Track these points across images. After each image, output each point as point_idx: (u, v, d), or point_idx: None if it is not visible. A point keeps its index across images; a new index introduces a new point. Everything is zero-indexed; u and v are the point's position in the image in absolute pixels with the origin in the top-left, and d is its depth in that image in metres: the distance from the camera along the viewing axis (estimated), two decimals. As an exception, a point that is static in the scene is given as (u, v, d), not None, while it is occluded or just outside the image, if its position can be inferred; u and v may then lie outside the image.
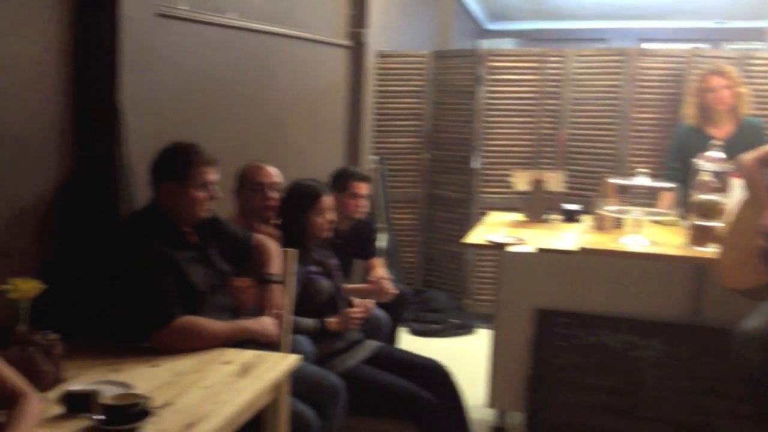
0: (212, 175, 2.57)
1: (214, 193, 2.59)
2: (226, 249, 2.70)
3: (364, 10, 4.84)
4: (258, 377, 2.19)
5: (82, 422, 1.85)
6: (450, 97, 5.29)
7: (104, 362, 2.25)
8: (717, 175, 3.18)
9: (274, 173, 3.22)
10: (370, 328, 3.30)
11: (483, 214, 4.39)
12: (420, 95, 5.37)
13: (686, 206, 3.34)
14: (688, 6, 8.09)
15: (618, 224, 3.41)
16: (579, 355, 3.31)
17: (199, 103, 3.24)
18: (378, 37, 5.06)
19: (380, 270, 3.80)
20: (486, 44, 7.79)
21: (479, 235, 3.48)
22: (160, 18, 2.90)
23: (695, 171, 3.23)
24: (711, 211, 3.11)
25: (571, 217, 3.87)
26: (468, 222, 4.99)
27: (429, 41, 6.58)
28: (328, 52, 4.54)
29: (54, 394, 2.00)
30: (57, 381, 2.07)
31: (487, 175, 5.15)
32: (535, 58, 5.11)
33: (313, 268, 3.09)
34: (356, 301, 3.20)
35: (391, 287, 3.55)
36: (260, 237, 2.84)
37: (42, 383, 2.00)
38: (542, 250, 3.24)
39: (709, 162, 3.19)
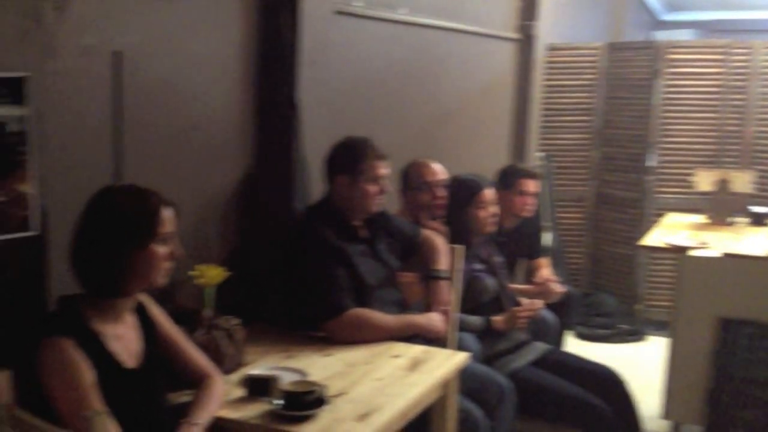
0: (383, 170, 2.59)
1: (385, 187, 2.61)
2: (393, 244, 2.72)
3: (534, 2, 4.73)
4: (427, 373, 2.18)
5: (263, 406, 1.92)
6: (624, 91, 5.06)
7: (280, 349, 2.32)
8: None
9: (440, 170, 3.19)
10: (537, 329, 3.21)
11: (658, 215, 4.15)
12: (591, 89, 5.17)
13: None
14: None
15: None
16: (766, 369, 3.05)
17: (369, 99, 3.28)
18: (548, 30, 4.92)
19: (546, 270, 3.69)
20: (662, 36, 7.38)
21: (657, 237, 3.29)
22: (337, 15, 2.97)
23: None
24: None
25: (759, 220, 3.58)
26: (640, 223, 4.75)
27: (600, 33, 6.33)
28: (497, 45, 4.47)
29: (235, 377, 2.08)
30: (238, 365, 2.16)
31: (664, 174, 4.88)
32: (719, 50, 4.77)
33: (478, 266, 3.04)
34: (524, 300, 3.12)
35: (558, 287, 3.43)
36: (428, 233, 2.83)
37: (225, 366, 2.09)
38: (728, 255, 3.01)
39: None
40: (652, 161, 4.90)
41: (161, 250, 1.81)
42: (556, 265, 4.74)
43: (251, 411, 1.91)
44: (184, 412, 1.85)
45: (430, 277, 2.70)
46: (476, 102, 4.29)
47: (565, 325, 3.64)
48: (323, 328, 2.42)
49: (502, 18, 4.53)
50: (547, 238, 4.74)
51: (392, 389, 2.05)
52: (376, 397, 1.99)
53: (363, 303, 2.46)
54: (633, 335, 4.78)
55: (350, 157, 2.57)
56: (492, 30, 4.35)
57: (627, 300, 5.07)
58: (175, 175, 2.30)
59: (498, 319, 2.95)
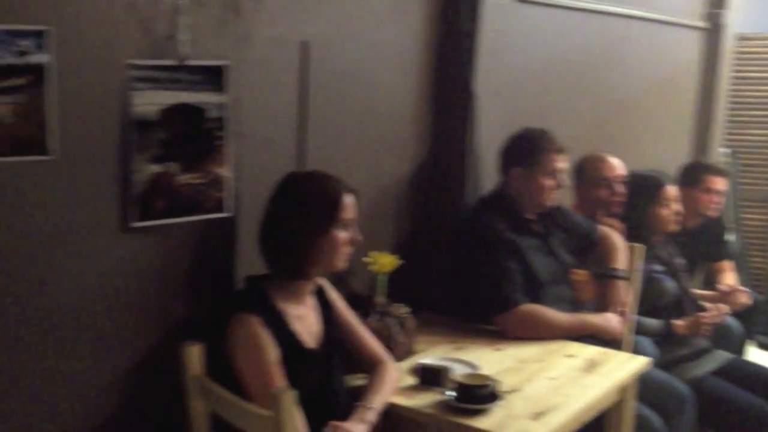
0: (561, 163, 2.51)
1: (562, 182, 2.52)
2: (568, 239, 2.63)
3: (723, -11, 4.41)
4: (604, 375, 2.09)
5: (435, 396, 1.91)
6: (824, 84, 4.62)
7: (449, 340, 2.31)
8: None
9: (619, 166, 3.03)
10: (718, 336, 3.00)
11: None
12: (784, 82, 4.76)
13: None
14: None
15: None
16: None
17: (546, 89, 3.19)
18: (738, 18, 4.57)
19: (730, 275, 3.44)
20: None
21: None
22: (517, 3, 2.90)
23: None
24: None
25: None
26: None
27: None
28: (681, 34, 4.20)
29: (406, 365, 2.09)
30: (409, 353, 2.17)
31: None
32: None
33: (657, 267, 2.89)
34: (708, 305, 2.92)
35: (746, 296, 3.18)
36: (606, 230, 2.72)
37: (397, 353, 2.10)
38: None
39: None
40: None
41: (342, 235, 1.85)
42: (739, 269, 4.42)
43: (423, 400, 1.91)
44: (358, 395, 1.88)
45: (606, 276, 2.58)
46: (657, 94, 4.06)
47: (749, 334, 3.39)
48: (494, 321, 2.38)
49: (688, 5, 4.26)
50: (731, 240, 4.43)
51: (567, 389, 1.98)
52: (550, 397, 1.93)
53: (535, 299, 2.40)
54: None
55: (527, 149, 2.51)
56: (677, 18, 4.09)
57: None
58: (353, 161, 2.34)
59: (680, 323, 2.79)
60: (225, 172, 1.94)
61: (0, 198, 1.60)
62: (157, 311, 1.89)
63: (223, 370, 1.79)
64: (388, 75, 2.47)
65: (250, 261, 1.98)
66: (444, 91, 2.64)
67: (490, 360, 2.15)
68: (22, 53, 1.54)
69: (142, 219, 1.81)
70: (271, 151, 2.11)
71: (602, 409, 2.10)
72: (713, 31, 4.45)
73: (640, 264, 2.68)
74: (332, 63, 2.25)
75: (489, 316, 2.39)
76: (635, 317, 2.64)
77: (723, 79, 4.61)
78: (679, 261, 3.00)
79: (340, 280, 2.10)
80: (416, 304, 2.30)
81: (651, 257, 2.82)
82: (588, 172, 3.04)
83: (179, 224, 1.89)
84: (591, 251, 2.67)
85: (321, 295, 1.99)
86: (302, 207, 1.84)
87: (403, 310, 2.22)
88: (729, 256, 3.59)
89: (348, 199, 1.87)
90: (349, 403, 1.86)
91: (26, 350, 1.67)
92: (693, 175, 3.27)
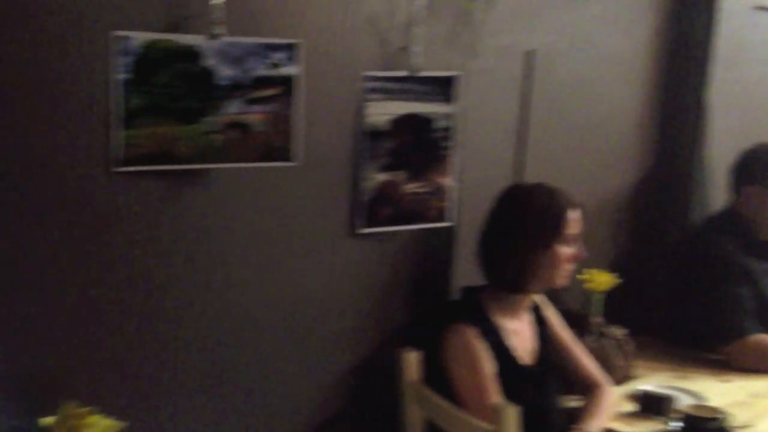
0: (803, 183, 2.29)
1: (804, 203, 2.30)
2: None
3: None
4: None
5: (657, 425, 1.81)
6: None
7: (670, 366, 2.19)
8: None
9: None
10: None
11: None
12: None
13: None
14: None
15: None
16: None
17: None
18: None
19: None
20: None
21: None
22: (756, 11, 2.69)
23: None
24: None
25: None
26: None
27: None
28: None
29: (624, 390, 2.00)
30: (627, 377, 2.08)
31: None
32: None
33: None
34: None
35: None
36: None
37: (614, 377, 2.01)
38: None
39: None
40: None
41: (565, 250, 1.80)
42: None
43: (645, 428, 1.82)
44: (572, 417, 1.82)
45: None
46: None
47: None
48: (721, 350, 2.22)
49: None
50: None
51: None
52: (790, 439, 1.77)
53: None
54: None
55: (764, 167, 2.32)
56: None
57: None
58: (572, 174, 2.27)
59: None
60: (448, 181, 1.96)
61: (248, 200, 1.71)
62: (376, 316, 1.94)
63: (439, 378, 1.80)
64: (614, 85, 2.38)
65: (467, 271, 1.98)
66: (672, 102, 2.50)
67: (716, 392, 2.00)
68: (275, 65, 1.64)
69: (369, 225, 1.86)
70: (490, 161, 2.10)
71: None
72: None
73: None
74: (556, 73, 2.20)
75: (715, 345, 2.23)
76: None
77: None
78: None
79: (554, 297, 2.05)
80: (634, 326, 2.19)
81: None
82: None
83: (401, 232, 1.93)
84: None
85: (537, 312, 1.95)
86: (525, 220, 1.81)
87: (620, 331, 2.12)
88: None
89: (573, 214, 1.81)
90: (563, 424, 1.80)
91: (249, 349, 1.77)
92: None
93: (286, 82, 1.67)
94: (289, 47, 1.65)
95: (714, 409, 1.78)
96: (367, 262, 1.90)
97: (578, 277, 2.14)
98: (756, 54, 2.75)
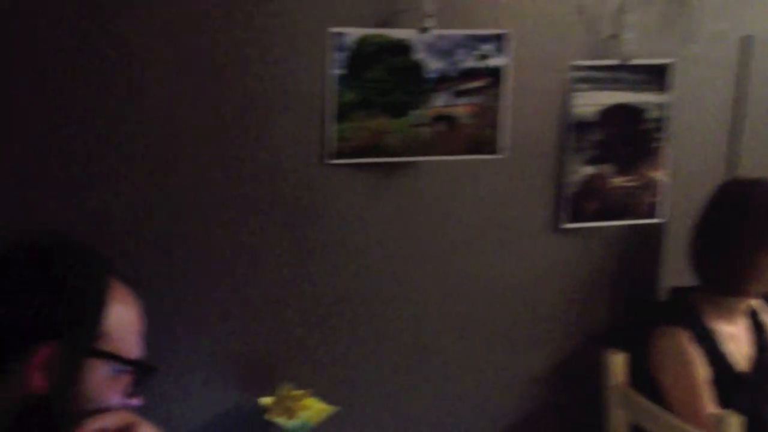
0: None
1: None
2: None
3: None
4: None
5: None
6: None
7: None
8: None
9: None
10: None
11: None
12: None
13: None
14: None
15: None
16: None
17: None
18: None
19: None
20: None
21: None
22: None
23: None
24: None
25: None
26: None
27: None
28: None
29: None
30: None
31: None
32: None
33: None
34: None
35: None
36: None
37: None
38: None
39: None
40: None
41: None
42: None
43: None
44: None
45: None
46: None
47: None
48: None
49: None
50: None
51: None
52: None
53: None
54: None
55: None
56: None
57: None
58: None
59: None
60: (660, 175, 1.85)
61: (453, 193, 1.72)
62: (579, 315, 1.88)
63: (645, 381, 1.72)
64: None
65: (677, 271, 1.87)
66: None
67: None
68: (483, 57, 1.63)
69: (573, 220, 1.80)
70: (704, 153, 1.97)
71: None
72: None
73: None
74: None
75: None
76: None
77: None
78: None
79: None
80: None
81: None
82: None
83: (608, 228, 1.85)
84: None
85: (754, 317, 1.81)
86: (745, 218, 1.68)
87: None
88: None
89: None
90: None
91: (448, 342, 1.77)
92: None
93: (494, 73, 1.65)
94: (497, 38, 1.63)
95: None
96: (571, 258, 1.84)
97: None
98: None
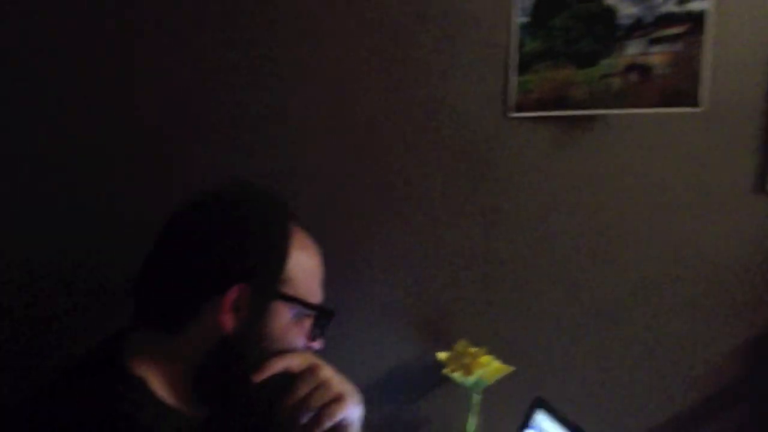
0: None
1: None
2: None
3: None
4: None
5: None
6: None
7: None
8: None
9: None
10: None
11: None
12: None
13: None
14: None
15: None
16: None
17: None
18: None
19: None
20: None
21: None
22: None
23: None
24: None
25: None
26: None
27: None
28: None
29: None
30: None
31: None
32: None
33: None
34: None
35: None
36: None
37: None
38: None
39: None
40: None
41: None
42: None
43: None
44: None
45: None
46: None
47: None
48: None
49: None
50: None
51: None
52: None
53: None
54: None
55: None
56: None
57: None
58: None
59: None
60: None
61: (645, 149, 1.60)
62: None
63: None
64: None
65: None
66: None
67: None
68: (683, 0, 1.49)
69: (779, 183, 1.62)
70: None
71: None
72: None
73: None
74: None
75: None
76: None
77: None
78: None
79: None
80: None
81: None
82: None
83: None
84: None
85: None
86: None
87: None
88: None
89: None
90: None
91: (636, 309, 1.67)
92: None
93: (695, 18, 1.50)
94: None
95: None
96: (774, 225, 1.67)
97: None
98: None
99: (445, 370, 1.51)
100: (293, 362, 1.09)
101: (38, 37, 1.49)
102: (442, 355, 1.54)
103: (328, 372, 1.10)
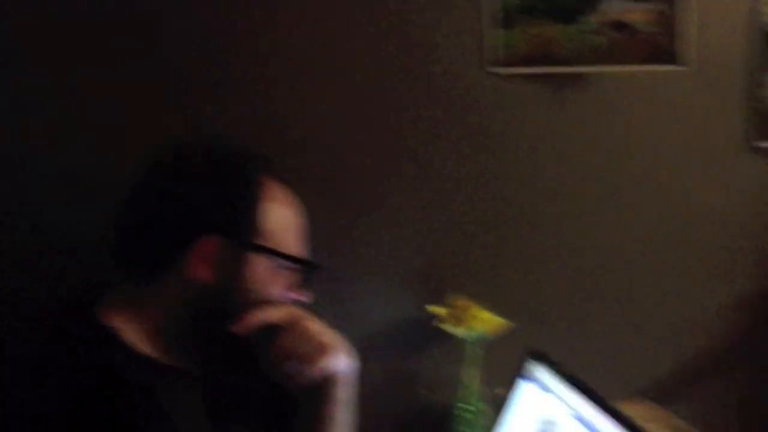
0: None
1: None
2: None
3: None
4: None
5: None
6: None
7: None
8: None
9: None
10: None
11: None
12: None
13: None
14: None
15: None
16: None
17: None
18: None
19: None
20: None
21: None
22: None
23: None
24: None
25: None
26: None
27: None
28: None
29: None
30: None
31: None
32: None
33: None
34: None
35: None
36: None
37: None
38: None
39: None
40: None
41: None
42: None
43: None
44: None
45: None
46: None
47: None
48: None
49: None
50: None
51: None
52: None
53: None
54: None
55: None
56: None
57: None
58: None
59: None
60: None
61: (630, 107, 1.60)
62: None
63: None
64: None
65: None
66: None
67: None
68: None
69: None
70: None
71: None
72: None
73: None
74: None
75: None
76: None
77: None
78: None
79: None
80: None
81: None
82: None
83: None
84: None
85: None
86: None
87: None
88: None
89: None
90: None
91: (631, 266, 1.67)
92: None
93: (677, -24, 1.50)
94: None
95: None
96: (766, 181, 1.66)
97: None
98: None
99: (441, 324, 1.51)
100: (274, 314, 1.09)
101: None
102: (434, 309, 1.54)
103: (311, 323, 1.10)
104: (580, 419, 1.17)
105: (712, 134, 1.62)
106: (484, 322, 1.50)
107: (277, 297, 1.11)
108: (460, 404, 1.54)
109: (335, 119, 1.58)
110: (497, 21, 1.52)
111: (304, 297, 1.15)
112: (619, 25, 1.51)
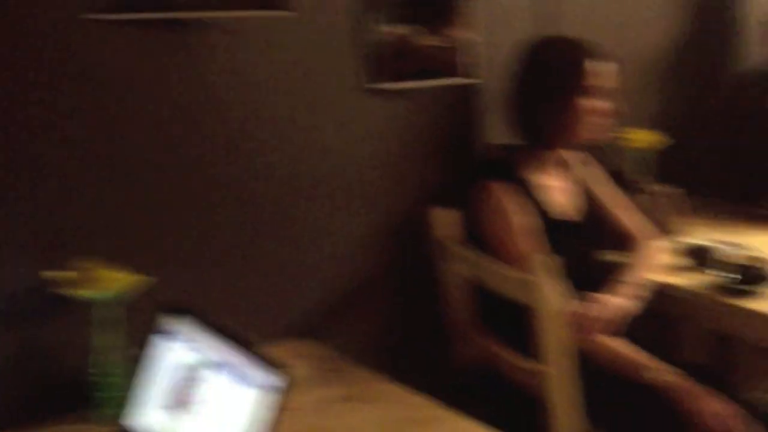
0: None
1: None
2: None
3: None
4: None
5: (706, 277, 1.69)
6: None
7: (723, 223, 2.07)
8: None
9: None
10: None
11: None
12: None
13: None
14: None
15: None
16: None
17: None
18: None
19: None
20: None
21: None
22: None
23: None
24: None
25: None
26: None
27: None
28: None
29: (676, 245, 1.88)
30: (679, 233, 1.95)
31: None
32: None
33: None
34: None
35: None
36: None
37: (666, 233, 1.91)
38: None
39: None
40: None
41: (587, 103, 1.68)
42: None
43: (695, 280, 1.70)
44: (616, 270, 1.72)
45: None
46: None
47: None
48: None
49: None
50: None
51: None
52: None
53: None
54: None
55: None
56: None
57: None
58: (610, 29, 2.10)
59: None
60: (472, 35, 1.82)
61: (247, 52, 1.61)
62: (403, 175, 1.85)
63: (475, 238, 1.72)
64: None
65: (494, 129, 1.87)
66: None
67: (764, 243, 1.83)
68: None
69: (382, 81, 1.74)
70: (522, 15, 1.96)
71: None
72: None
73: None
74: None
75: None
76: None
77: None
78: None
79: (602, 156, 1.92)
80: (688, 186, 2.05)
81: None
82: None
83: (424, 89, 1.81)
84: None
85: (581, 169, 1.84)
86: (543, 72, 1.70)
87: (673, 190, 2.00)
88: None
89: (596, 66, 1.68)
90: (605, 277, 1.71)
91: (268, 206, 1.69)
92: None
93: None
94: None
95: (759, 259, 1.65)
96: (386, 119, 1.79)
97: (624, 136, 2.05)
98: None
99: (61, 288, 1.40)
100: None
101: None
102: (55, 274, 1.41)
103: None
104: (223, 365, 1.17)
105: (327, 77, 1.69)
106: (115, 281, 1.42)
107: None
108: (94, 370, 1.45)
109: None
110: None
111: None
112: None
